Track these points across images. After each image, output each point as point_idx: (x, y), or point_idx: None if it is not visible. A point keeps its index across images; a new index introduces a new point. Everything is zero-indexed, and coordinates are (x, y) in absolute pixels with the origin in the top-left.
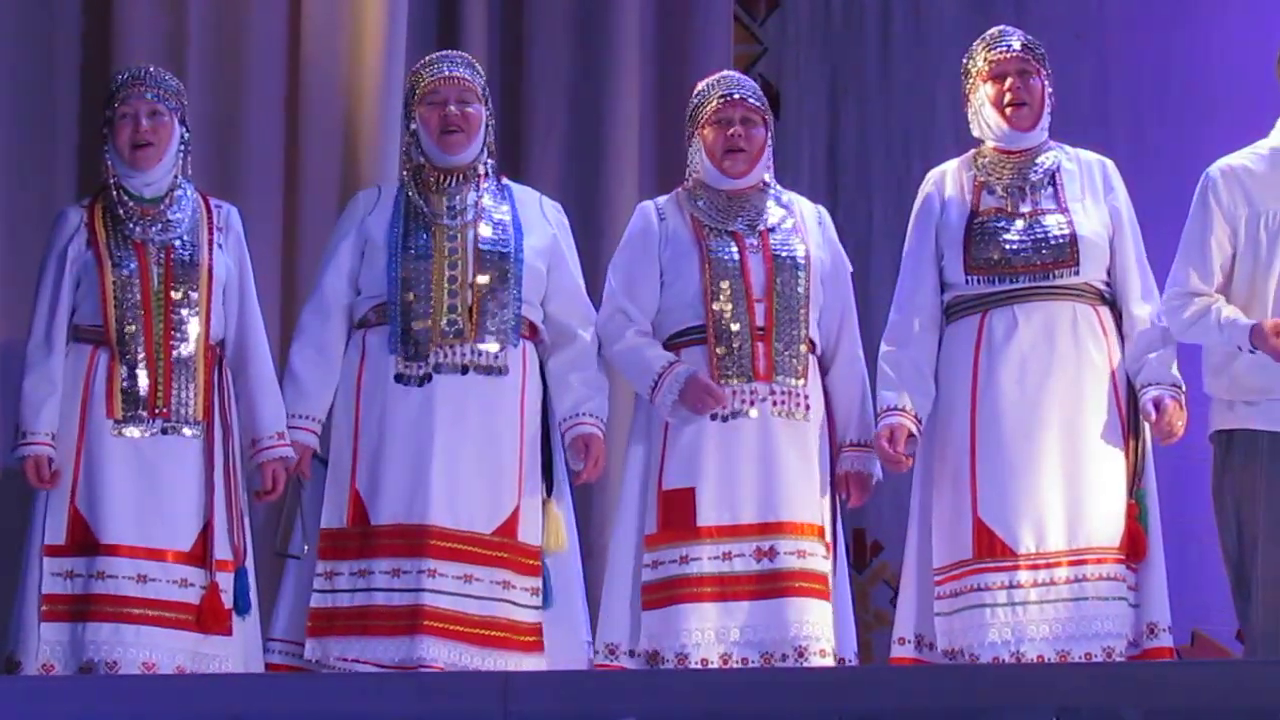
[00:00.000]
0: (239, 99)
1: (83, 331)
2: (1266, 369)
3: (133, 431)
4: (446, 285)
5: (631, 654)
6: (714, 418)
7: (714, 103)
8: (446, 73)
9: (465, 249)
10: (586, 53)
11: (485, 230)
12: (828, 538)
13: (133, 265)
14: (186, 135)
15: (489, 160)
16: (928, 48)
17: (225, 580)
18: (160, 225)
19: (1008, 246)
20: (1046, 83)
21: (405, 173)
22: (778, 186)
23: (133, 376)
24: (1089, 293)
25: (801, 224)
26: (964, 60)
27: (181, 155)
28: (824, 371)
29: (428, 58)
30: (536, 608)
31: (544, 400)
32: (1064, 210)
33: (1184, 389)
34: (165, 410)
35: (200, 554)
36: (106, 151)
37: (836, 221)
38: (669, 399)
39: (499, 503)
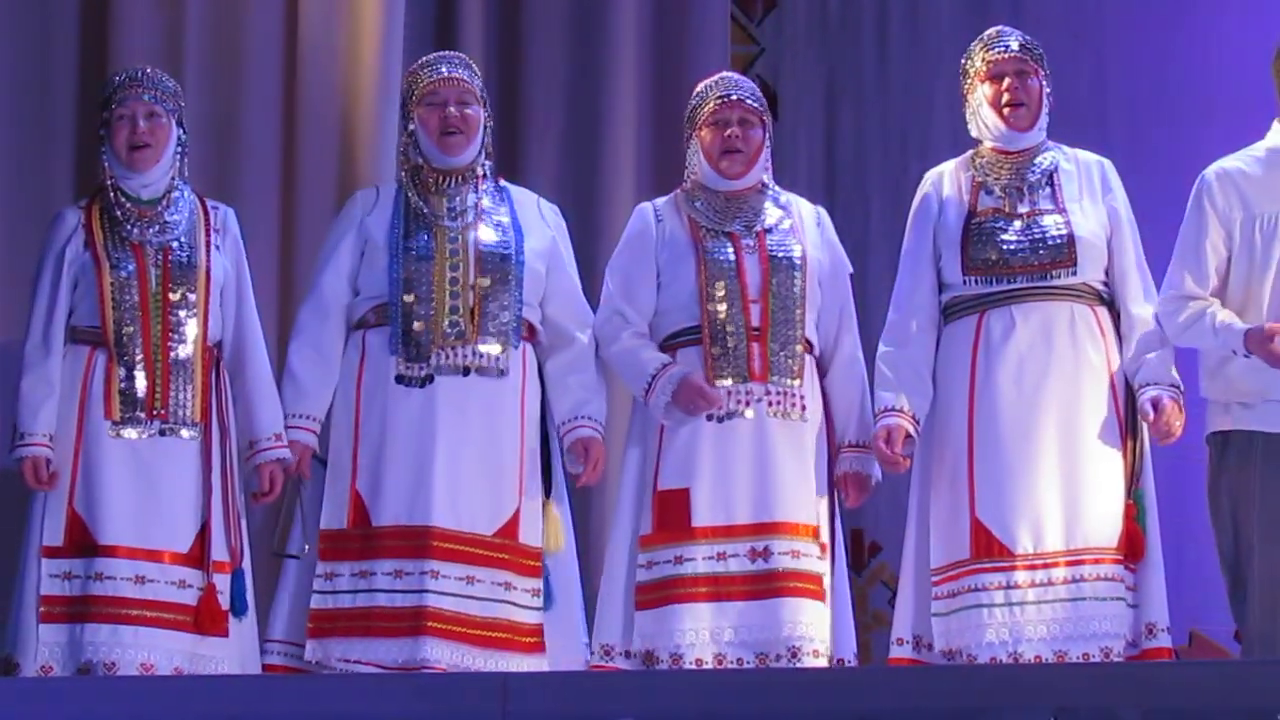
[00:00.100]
0: (236, 99)
1: (80, 333)
2: (1261, 371)
3: (130, 433)
4: (448, 287)
5: (626, 655)
6: (709, 418)
7: (712, 104)
8: (445, 74)
9: (466, 250)
10: (583, 52)
11: (486, 232)
12: (824, 538)
13: (131, 267)
14: (184, 137)
15: (487, 161)
16: (925, 48)
17: (222, 582)
18: (158, 227)
19: (1005, 247)
20: (1044, 83)
21: (403, 173)
22: (776, 187)
23: (131, 378)
24: (1087, 293)
25: (799, 225)
26: (962, 60)
27: (179, 157)
28: (823, 372)
29: (425, 58)
30: (537, 609)
31: (542, 402)
32: (1062, 210)
33: (1183, 389)
34: (163, 412)
35: (197, 555)
36: (104, 153)
37: (834, 222)
38: (662, 400)
39: (500, 504)
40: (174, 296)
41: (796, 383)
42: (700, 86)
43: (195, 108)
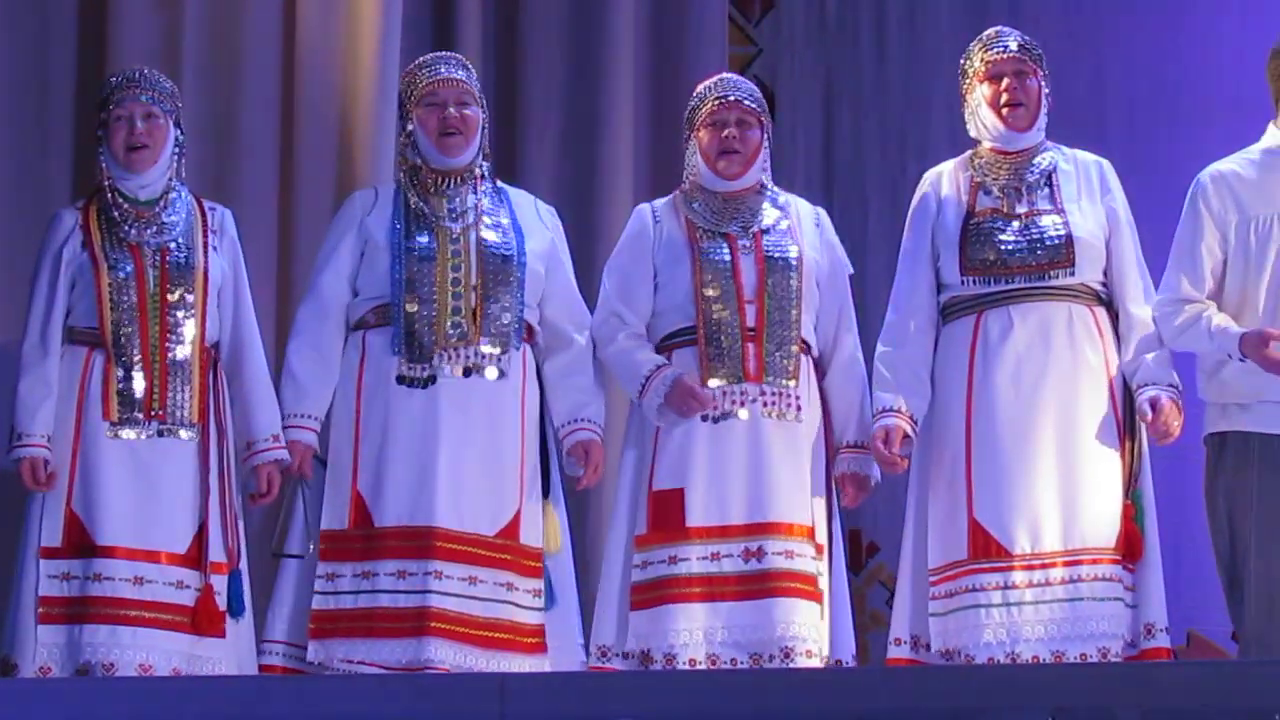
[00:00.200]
0: (235, 100)
1: (78, 333)
2: (1257, 374)
3: (128, 433)
4: (450, 288)
5: (623, 656)
6: (704, 419)
7: (710, 104)
8: (444, 75)
9: (468, 251)
10: (582, 53)
11: (488, 233)
12: (820, 539)
13: (129, 268)
14: (181, 138)
15: (485, 162)
16: (923, 49)
17: (219, 583)
18: (155, 228)
19: (1003, 247)
20: (1043, 83)
21: (402, 174)
22: (775, 188)
23: (129, 379)
24: (1085, 293)
25: (797, 225)
26: (961, 61)
27: (176, 158)
28: (822, 373)
29: (423, 59)
30: (538, 609)
31: (540, 403)
32: (1060, 211)
33: (1182, 390)
34: (161, 412)
35: (195, 556)
36: (101, 154)
37: (832, 223)
38: (656, 402)
39: (502, 505)
40: (172, 297)
41: (792, 383)
42: (699, 88)
43: (193, 108)
